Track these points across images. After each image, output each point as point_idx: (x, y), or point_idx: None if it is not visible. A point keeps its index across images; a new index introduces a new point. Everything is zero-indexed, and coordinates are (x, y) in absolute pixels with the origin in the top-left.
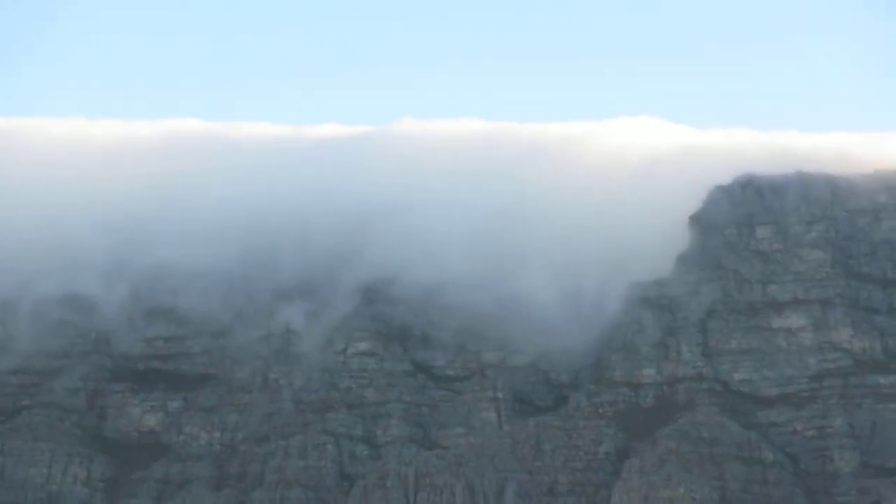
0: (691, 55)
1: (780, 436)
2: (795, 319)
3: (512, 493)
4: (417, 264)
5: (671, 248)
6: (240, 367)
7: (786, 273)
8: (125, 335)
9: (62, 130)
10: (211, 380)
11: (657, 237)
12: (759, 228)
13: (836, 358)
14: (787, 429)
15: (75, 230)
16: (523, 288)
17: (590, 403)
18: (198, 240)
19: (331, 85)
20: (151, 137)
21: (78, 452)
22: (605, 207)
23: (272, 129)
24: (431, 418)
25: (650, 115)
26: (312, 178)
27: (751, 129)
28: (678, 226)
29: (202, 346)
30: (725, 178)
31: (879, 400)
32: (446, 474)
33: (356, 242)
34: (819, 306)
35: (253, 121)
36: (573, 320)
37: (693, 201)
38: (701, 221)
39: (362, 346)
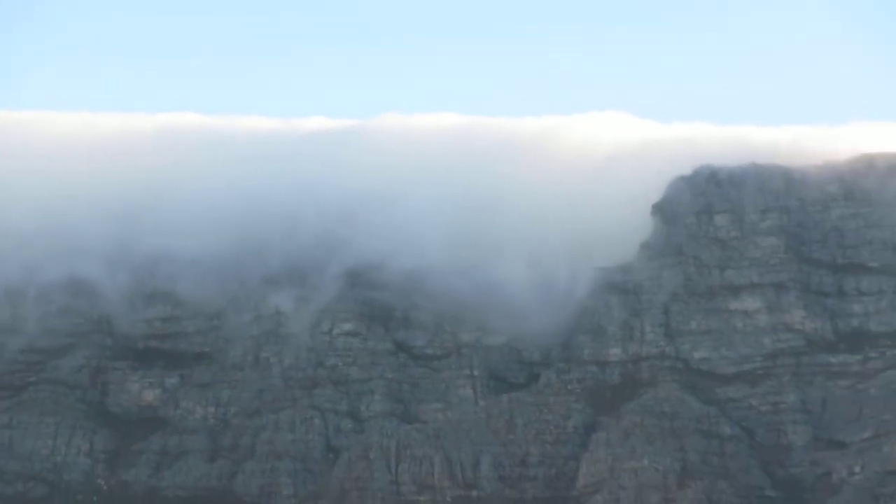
0: (657, 53)
1: (736, 411)
2: (751, 302)
3: (487, 465)
4: (400, 252)
5: (635, 236)
6: (232, 347)
7: (742, 259)
8: (125, 317)
9: (66, 123)
10: (206, 358)
11: (622, 225)
12: (718, 217)
13: (789, 338)
14: (743, 404)
15: (78, 219)
16: (498, 274)
17: (559, 380)
18: (193, 228)
19: (319, 79)
20: (149, 130)
21: (81, 426)
22: (575, 198)
23: (263, 123)
24: (412, 394)
25: (617, 109)
26: (301, 170)
27: (711, 123)
28: (642, 214)
29: (197, 327)
30: (686, 169)
31: (830, 377)
32: (425, 447)
33: (342, 232)
34: (773, 290)
35: (245, 114)
36: (545, 304)
37: (656, 191)
38: (663, 210)
39: (347, 326)
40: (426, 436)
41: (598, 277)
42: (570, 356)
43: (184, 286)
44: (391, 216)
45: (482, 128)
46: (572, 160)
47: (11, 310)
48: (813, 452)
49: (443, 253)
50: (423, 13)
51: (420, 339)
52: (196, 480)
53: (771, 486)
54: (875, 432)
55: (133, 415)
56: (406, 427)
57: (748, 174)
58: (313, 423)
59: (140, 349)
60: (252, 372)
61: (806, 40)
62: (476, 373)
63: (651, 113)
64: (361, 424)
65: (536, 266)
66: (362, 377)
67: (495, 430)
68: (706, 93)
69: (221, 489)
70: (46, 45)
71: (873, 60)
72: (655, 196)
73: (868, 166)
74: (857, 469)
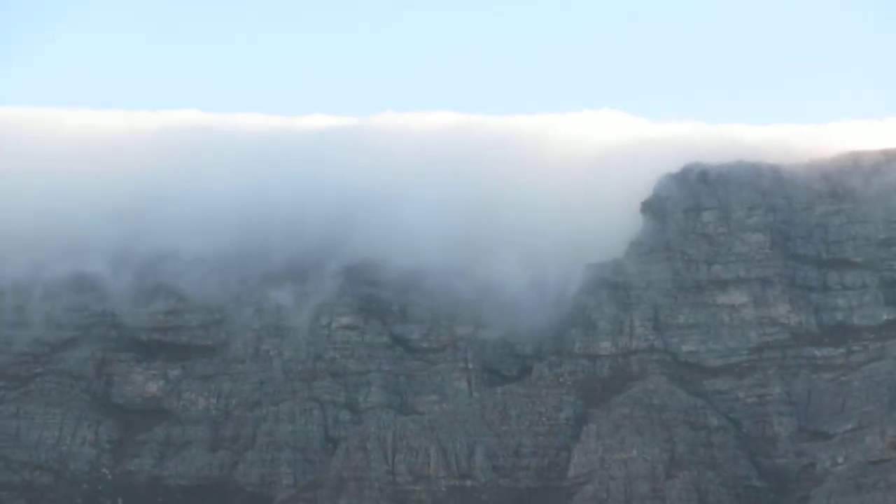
0: (650, 53)
1: (723, 402)
2: (738, 296)
3: (481, 455)
4: (397, 251)
5: (625, 233)
6: (234, 340)
7: (729, 254)
8: (130, 310)
9: (71, 121)
10: (208, 351)
11: (613, 222)
12: (705, 213)
13: (775, 332)
14: (730, 396)
15: (82, 217)
16: (493, 272)
17: (552, 373)
18: (196, 226)
19: (319, 77)
20: (153, 128)
21: (87, 416)
22: (567, 196)
23: (264, 121)
24: (408, 386)
25: (611, 108)
26: (302, 167)
27: (703, 121)
28: (633, 212)
29: (200, 321)
30: (677, 167)
31: (814, 370)
32: (421, 437)
33: (342, 229)
34: (759, 284)
35: (247, 111)
36: (538, 300)
37: (647, 189)
38: (652, 207)
39: (345, 320)
40: (422, 427)
41: (588, 273)
42: (561, 350)
43: (187, 284)
44: (389, 214)
45: (478, 126)
46: (566, 158)
47: (19, 305)
48: (798, 443)
49: (439, 251)
50: (421, 13)
51: (416, 332)
52: (198, 470)
53: (757, 477)
54: (858, 424)
55: (137, 406)
56: (402, 418)
57: (735, 172)
58: (312, 414)
59: (144, 342)
60: (253, 364)
61: (796, 40)
62: (471, 366)
63: (644, 111)
64: (359, 416)
65: (530, 263)
66: (360, 370)
67: (489, 422)
68: (698, 92)
69: (223, 479)
70: (50, 43)
71: (862, 59)
72: (646, 193)
73: (853, 164)
74: (840, 460)
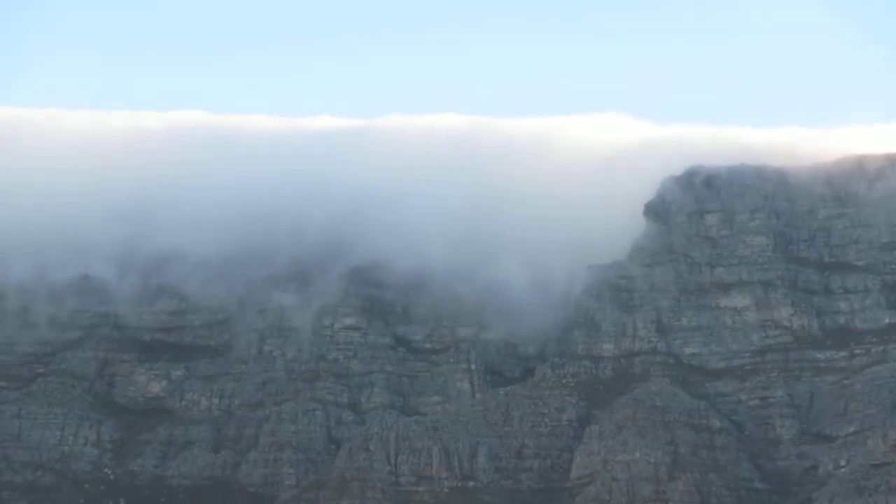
0: (656, 55)
1: (726, 405)
2: (740, 299)
3: (483, 456)
4: (402, 254)
5: (629, 235)
6: (237, 340)
7: (732, 257)
8: (133, 311)
9: (76, 121)
10: (211, 351)
11: (616, 225)
12: (708, 216)
13: (777, 335)
14: (732, 398)
15: (88, 219)
16: (497, 275)
17: (554, 375)
18: (201, 228)
19: (326, 79)
20: (159, 129)
21: (89, 416)
22: (571, 199)
23: (270, 122)
24: (411, 387)
25: (616, 111)
26: (307, 169)
27: (708, 124)
28: (637, 214)
29: (203, 321)
30: (681, 170)
31: (816, 373)
32: (424, 438)
33: (347, 231)
34: (762, 287)
35: (253, 113)
36: (542, 302)
37: (651, 191)
38: (655, 210)
39: (348, 321)
40: (425, 428)
41: (592, 275)
42: (564, 351)
43: (191, 285)
44: (395, 216)
45: (483, 128)
46: (571, 160)
47: (23, 307)
48: (800, 446)
49: (444, 252)
50: (428, 15)
51: (419, 333)
52: (200, 470)
53: (759, 479)
54: (860, 426)
55: (139, 406)
56: (405, 419)
57: (738, 175)
58: (315, 414)
59: (147, 342)
60: (256, 365)
61: (801, 44)
62: (473, 367)
63: (649, 114)
64: (362, 416)
65: (533, 265)
66: (363, 370)
67: (492, 423)
68: (703, 94)
69: (225, 479)
70: (56, 43)
71: (868, 63)
72: (650, 196)
73: (858, 168)
74: (842, 462)
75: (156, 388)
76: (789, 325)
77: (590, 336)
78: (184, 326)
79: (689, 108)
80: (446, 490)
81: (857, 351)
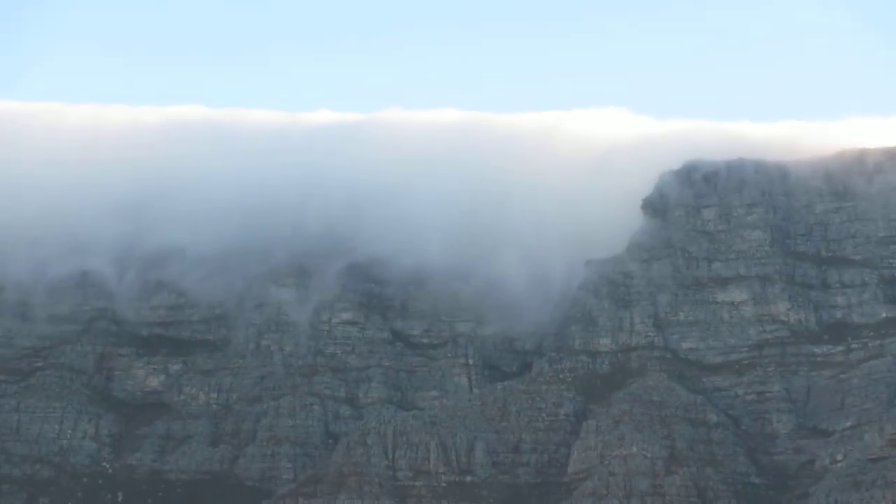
0: (655, 50)
1: (723, 399)
2: (738, 294)
3: (481, 451)
4: (401, 250)
5: (626, 229)
6: (235, 335)
7: (729, 251)
8: (131, 305)
9: (75, 115)
10: (209, 345)
11: (614, 219)
12: (705, 211)
13: (775, 329)
14: (729, 393)
15: (86, 213)
16: (496, 270)
17: (552, 369)
18: (200, 223)
19: (325, 73)
20: (157, 123)
21: (87, 410)
22: (570, 193)
23: (270, 116)
24: (408, 382)
25: (615, 105)
26: (306, 163)
27: (707, 119)
28: (633, 208)
29: (201, 315)
30: (679, 164)
31: (813, 367)
32: (422, 433)
33: (346, 226)
34: (759, 282)
35: (252, 107)
36: (539, 296)
37: (648, 186)
38: (653, 205)
39: (346, 315)
40: (422, 422)
41: (589, 270)
42: (561, 346)
43: (190, 281)
44: (394, 211)
45: (483, 123)
46: (569, 155)
47: (21, 301)
48: (797, 440)
49: (442, 247)
50: (427, 9)
51: (417, 328)
52: (198, 464)
53: (756, 473)
54: (857, 421)
55: (138, 400)
56: (403, 414)
57: (736, 169)
58: (313, 409)
59: (145, 336)
60: (253, 359)
61: (800, 38)
62: (471, 362)
63: (648, 109)
64: (359, 411)
65: (531, 259)
66: (360, 365)
67: (489, 418)
68: (702, 89)
69: (223, 473)
70: (55, 37)
71: (868, 56)
72: (649, 191)
73: (856, 161)
74: (839, 457)
75: (154, 382)
76: (786, 319)
77: (587, 331)
78: (182, 321)
79: (688, 102)
80: (444, 484)
81: (854, 345)
